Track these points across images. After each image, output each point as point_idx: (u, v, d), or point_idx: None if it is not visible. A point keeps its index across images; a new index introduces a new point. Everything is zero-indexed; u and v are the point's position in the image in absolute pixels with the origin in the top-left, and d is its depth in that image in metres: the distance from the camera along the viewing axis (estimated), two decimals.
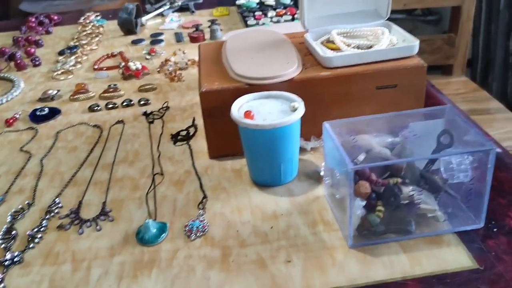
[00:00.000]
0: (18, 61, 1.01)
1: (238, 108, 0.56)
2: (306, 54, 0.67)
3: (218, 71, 0.65)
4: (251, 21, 1.11)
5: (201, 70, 0.66)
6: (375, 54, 0.62)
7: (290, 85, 0.60)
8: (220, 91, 0.60)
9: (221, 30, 1.10)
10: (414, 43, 0.63)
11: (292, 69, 0.61)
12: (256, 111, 0.55)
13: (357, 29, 0.68)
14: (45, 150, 0.70)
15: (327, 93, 0.62)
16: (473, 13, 1.50)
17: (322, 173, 0.57)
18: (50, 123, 0.78)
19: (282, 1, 1.24)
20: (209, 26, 1.16)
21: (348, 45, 0.64)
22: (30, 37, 1.15)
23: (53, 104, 0.84)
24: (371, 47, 0.64)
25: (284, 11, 1.15)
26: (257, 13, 1.16)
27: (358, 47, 0.65)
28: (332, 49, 0.65)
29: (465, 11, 1.47)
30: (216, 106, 0.61)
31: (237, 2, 1.27)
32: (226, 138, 0.63)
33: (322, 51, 0.63)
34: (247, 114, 0.54)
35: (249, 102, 0.58)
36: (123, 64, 0.94)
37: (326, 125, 0.50)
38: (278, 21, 1.10)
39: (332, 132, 0.49)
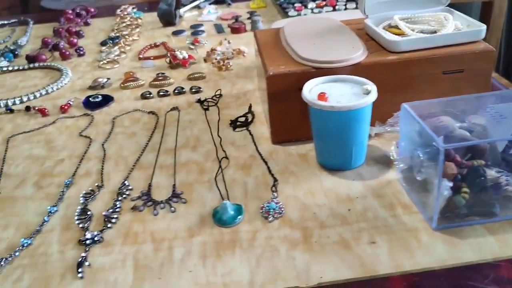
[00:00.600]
0: (63, 51, 1.02)
1: (308, 91, 0.56)
2: (368, 39, 0.67)
3: (281, 56, 0.65)
4: (291, 12, 1.11)
5: (263, 55, 0.65)
6: (443, 38, 0.61)
7: (357, 69, 0.60)
8: (287, 75, 0.60)
9: (262, 21, 1.10)
10: (481, 27, 0.62)
11: (358, 53, 0.61)
12: (328, 94, 0.55)
13: (418, 15, 0.68)
14: (104, 136, 0.71)
15: (393, 77, 0.61)
16: (505, 8, 1.48)
17: (393, 157, 0.57)
18: (105, 110, 0.79)
19: None
20: (248, 18, 1.16)
21: (412, 30, 0.64)
22: (70, 28, 1.16)
23: (103, 91, 0.85)
24: (434, 32, 0.64)
25: (324, 2, 1.14)
26: (297, 5, 1.16)
27: (421, 32, 0.64)
28: (395, 34, 0.65)
29: (497, 6, 1.46)
30: (281, 90, 0.61)
31: None
32: (290, 123, 0.63)
33: (388, 36, 0.62)
34: (321, 96, 0.54)
35: (318, 86, 0.58)
36: (169, 53, 0.94)
37: (406, 106, 0.50)
38: (319, 12, 1.09)
39: (414, 113, 0.48)
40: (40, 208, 0.56)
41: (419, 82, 0.62)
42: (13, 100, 0.83)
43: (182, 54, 0.92)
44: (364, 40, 0.66)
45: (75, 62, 1.00)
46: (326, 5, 1.13)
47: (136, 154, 0.65)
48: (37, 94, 0.85)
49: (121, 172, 0.62)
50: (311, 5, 1.14)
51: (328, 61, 0.60)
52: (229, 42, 0.97)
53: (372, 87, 0.55)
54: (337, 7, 1.12)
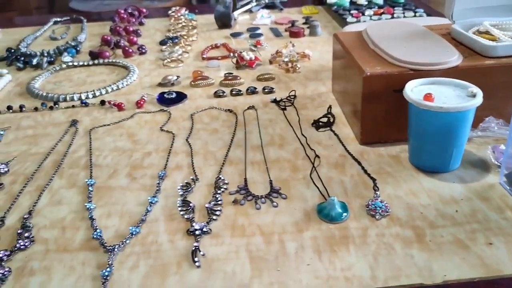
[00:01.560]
0: (126, 48, 1.03)
1: (410, 92, 0.56)
2: (456, 44, 0.67)
3: (371, 57, 0.65)
4: (350, 18, 1.11)
5: (354, 56, 0.66)
6: None
7: (453, 73, 0.60)
8: (383, 76, 0.60)
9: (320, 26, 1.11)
10: None
11: (455, 57, 0.61)
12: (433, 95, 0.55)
13: (506, 22, 0.68)
14: (185, 131, 0.71)
15: (486, 82, 0.61)
16: None
17: (492, 161, 0.57)
18: (180, 106, 0.79)
19: (375, 1, 1.24)
20: (304, 23, 1.17)
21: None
22: (127, 27, 1.17)
23: (173, 89, 0.85)
24: None
25: (381, 10, 1.14)
26: (353, 12, 1.16)
27: None
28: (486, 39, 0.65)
29: None
30: (376, 91, 0.61)
31: (328, 1, 1.27)
32: (380, 124, 0.63)
33: (484, 40, 0.63)
34: (428, 97, 0.54)
35: (418, 87, 0.58)
36: (235, 54, 0.94)
37: None
38: (379, 19, 1.10)
39: None
40: (139, 198, 0.56)
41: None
42: (86, 94, 0.84)
43: (248, 55, 0.93)
44: (453, 45, 0.66)
45: (138, 60, 1.01)
46: (383, 13, 1.14)
47: (223, 150, 0.65)
48: (109, 89, 0.86)
49: (211, 166, 0.62)
50: (368, 12, 1.14)
51: (426, 63, 0.60)
52: (293, 45, 0.97)
53: (476, 90, 0.55)
54: (395, 15, 1.12)
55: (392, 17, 1.11)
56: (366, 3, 1.24)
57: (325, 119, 0.71)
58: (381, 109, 0.62)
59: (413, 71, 0.60)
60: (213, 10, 1.21)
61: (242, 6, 1.32)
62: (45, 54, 1.02)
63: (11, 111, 0.80)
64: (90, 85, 0.90)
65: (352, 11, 1.17)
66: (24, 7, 2.65)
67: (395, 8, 1.16)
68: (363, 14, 1.14)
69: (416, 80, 0.58)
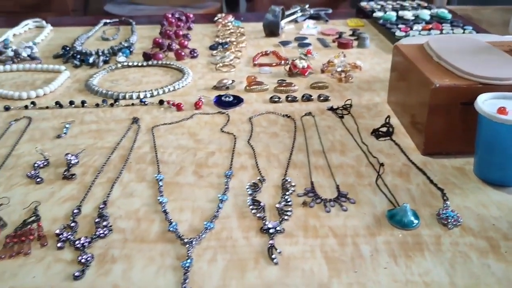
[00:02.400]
0: (179, 51, 1.05)
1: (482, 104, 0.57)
2: None
3: (438, 70, 0.65)
4: (398, 33, 1.12)
5: (419, 68, 0.66)
6: None
7: None
8: (452, 88, 0.61)
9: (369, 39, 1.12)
10: None
11: None
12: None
13: None
14: (245, 133, 0.72)
15: None
16: None
17: None
18: (237, 110, 0.81)
19: (422, 17, 1.25)
20: (350, 35, 1.19)
21: None
22: (177, 31, 1.20)
23: (228, 92, 0.87)
24: None
25: (430, 26, 1.15)
26: (401, 26, 1.17)
27: None
28: None
29: None
30: (442, 103, 0.62)
31: (374, 15, 1.29)
32: (444, 136, 0.63)
33: None
34: (502, 111, 0.54)
35: (488, 101, 0.58)
36: (288, 61, 0.96)
37: None
38: (428, 34, 1.10)
39: None
40: (208, 195, 0.58)
41: None
42: (144, 93, 0.86)
43: (301, 64, 0.94)
44: None
45: (190, 63, 1.03)
46: (432, 28, 1.14)
47: (285, 153, 0.67)
48: (166, 90, 0.88)
49: (276, 168, 0.63)
50: (416, 27, 1.15)
51: (495, 77, 0.60)
52: (344, 56, 0.98)
53: None
54: (444, 31, 1.13)
55: (441, 33, 1.12)
56: (413, 18, 1.25)
57: (384, 129, 0.72)
58: (446, 121, 0.62)
59: (482, 84, 0.61)
60: (257, 18, 1.23)
61: (288, 16, 1.34)
62: (100, 54, 1.05)
63: (73, 106, 0.82)
64: (146, 85, 0.92)
65: (399, 25, 1.18)
66: (61, 9, 2.72)
67: (443, 25, 1.17)
68: (411, 29, 1.14)
69: (487, 94, 0.59)
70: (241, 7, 2.75)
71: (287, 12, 1.35)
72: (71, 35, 1.26)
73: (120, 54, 1.05)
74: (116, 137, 0.72)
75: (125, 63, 1.02)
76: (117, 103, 0.83)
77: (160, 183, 0.60)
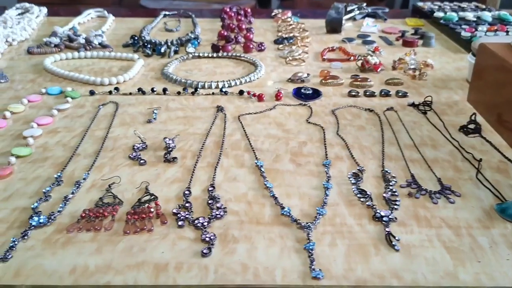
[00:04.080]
0: (248, 44, 1.06)
1: None
2: None
3: None
4: (464, 33, 1.12)
5: None
6: None
7: None
8: None
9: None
10: None
11: None
12: None
13: None
14: (330, 125, 0.73)
15: None
16: None
17: None
18: (317, 102, 0.82)
19: (484, 18, 1.25)
20: (412, 34, 1.18)
21: None
22: (240, 24, 1.21)
23: (303, 85, 0.87)
24: None
25: (495, 27, 1.14)
26: (465, 26, 1.17)
27: None
28: None
29: None
30: None
31: (434, 15, 1.28)
32: None
33: None
34: None
35: None
36: (361, 57, 0.96)
37: None
38: (496, 35, 1.10)
39: None
40: (311, 183, 0.59)
41: None
42: (222, 83, 0.87)
43: (373, 60, 0.95)
44: None
45: (258, 56, 1.04)
46: (497, 30, 1.14)
47: (377, 146, 0.67)
48: (242, 80, 0.89)
49: (371, 160, 0.64)
50: (481, 28, 1.15)
51: None
52: (415, 54, 0.98)
53: None
54: (510, 33, 1.12)
55: (507, 34, 1.11)
56: (475, 19, 1.25)
57: (471, 126, 0.72)
58: None
59: None
60: (310, 15, 1.24)
61: (347, 13, 1.34)
62: (169, 44, 1.06)
63: (155, 93, 0.84)
64: (220, 76, 0.93)
65: (463, 26, 1.17)
66: (100, 1, 2.76)
67: (507, 26, 1.16)
68: (476, 30, 1.14)
69: None
70: (272, 5, 2.75)
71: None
72: (132, 25, 1.28)
73: (190, 45, 1.07)
74: (205, 124, 0.73)
75: (195, 54, 1.03)
76: (197, 91, 0.84)
77: (262, 169, 0.61)
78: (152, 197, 0.54)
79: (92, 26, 1.28)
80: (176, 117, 0.76)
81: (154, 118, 0.74)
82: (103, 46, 1.08)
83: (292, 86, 0.87)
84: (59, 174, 0.59)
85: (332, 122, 0.74)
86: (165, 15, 1.37)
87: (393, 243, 0.48)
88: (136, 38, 1.10)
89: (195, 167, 0.62)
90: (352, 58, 1.02)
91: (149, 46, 1.05)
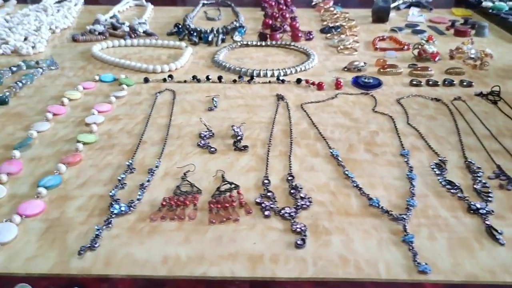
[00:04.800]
0: (296, 33, 1.04)
1: None
2: None
3: None
4: None
5: None
6: None
7: None
8: None
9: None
10: None
11: None
12: None
13: None
14: (398, 114, 0.71)
15: None
16: None
17: None
18: (379, 91, 0.79)
19: None
20: (462, 23, 1.15)
21: None
22: (283, 13, 1.18)
23: (359, 74, 0.85)
24: None
25: None
26: None
27: None
28: None
29: None
30: None
31: (483, 4, 1.25)
32: None
33: None
34: None
35: None
36: (417, 46, 0.93)
37: None
38: None
39: None
40: (392, 173, 0.56)
41: None
42: (278, 71, 0.84)
43: (431, 49, 0.92)
44: None
45: (307, 45, 1.02)
46: None
47: (452, 136, 0.65)
48: (298, 69, 0.86)
49: (450, 150, 0.62)
50: None
51: None
52: (472, 43, 0.95)
53: None
54: None
55: None
56: None
57: None
58: None
59: None
60: (350, 5, 1.21)
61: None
62: (215, 32, 1.04)
63: (210, 81, 0.82)
64: (272, 64, 0.91)
65: None
66: None
67: None
68: None
69: None
70: None
71: None
72: (172, 14, 1.26)
73: (236, 33, 1.04)
74: (268, 112, 0.71)
75: (243, 42, 1.01)
76: (253, 80, 0.82)
77: (339, 159, 0.58)
78: (233, 186, 0.52)
79: (131, 14, 1.26)
80: (237, 105, 0.74)
81: (215, 106, 0.72)
82: (147, 34, 1.06)
83: (348, 75, 0.85)
84: (130, 161, 0.57)
85: (399, 112, 0.72)
86: (203, 4, 1.35)
87: (497, 237, 0.45)
88: (180, 26, 1.08)
89: (268, 156, 0.59)
90: (405, 47, 0.98)
91: (195, 34, 1.03)
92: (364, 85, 0.80)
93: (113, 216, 0.48)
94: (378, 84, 0.81)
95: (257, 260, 0.43)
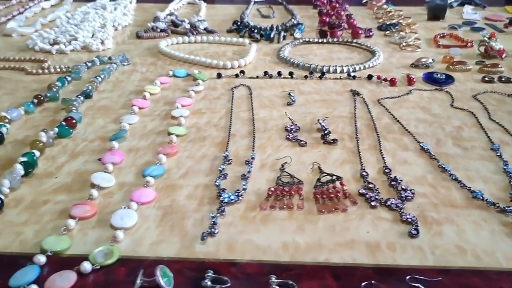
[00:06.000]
0: (356, 30, 1.04)
1: None
2: None
3: None
4: None
5: None
6: None
7: None
8: None
9: None
10: None
11: None
12: None
13: None
14: (476, 110, 0.71)
15: None
16: None
17: None
18: (453, 87, 0.79)
19: None
20: None
21: None
22: (338, 11, 1.19)
23: (428, 71, 0.85)
24: None
25: None
26: None
27: None
28: None
29: None
30: None
31: None
32: None
33: None
34: None
35: None
36: (484, 43, 0.93)
37: None
38: None
39: None
40: (488, 167, 0.57)
41: None
42: (347, 67, 0.85)
43: (498, 45, 0.91)
44: None
45: (368, 42, 1.02)
46: None
47: None
48: (362, 66, 0.87)
49: None
50: None
51: None
52: None
53: None
54: None
55: None
56: None
57: None
58: None
59: None
60: (400, 2, 1.21)
61: None
62: (276, 29, 1.05)
63: (282, 76, 0.83)
64: (338, 61, 0.91)
65: None
66: None
67: None
68: None
69: None
70: None
71: None
72: (225, 11, 1.28)
73: (297, 30, 1.05)
74: (346, 107, 0.72)
75: (304, 39, 1.02)
76: (325, 75, 0.83)
77: (431, 152, 0.59)
78: (335, 177, 0.53)
79: (186, 12, 1.28)
80: (314, 100, 0.75)
81: (293, 101, 0.73)
82: (208, 31, 1.07)
83: (415, 71, 0.85)
84: (226, 153, 0.59)
85: (477, 107, 0.72)
86: (255, 2, 1.36)
87: None
88: (239, 23, 1.09)
89: (359, 149, 0.60)
90: (469, 44, 0.98)
91: (255, 31, 1.04)
92: (437, 81, 0.80)
93: (223, 204, 0.49)
94: (451, 80, 0.81)
95: (374, 248, 0.44)
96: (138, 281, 0.39)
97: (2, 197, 0.49)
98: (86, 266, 0.41)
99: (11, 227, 0.46)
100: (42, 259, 0.41)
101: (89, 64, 0.86)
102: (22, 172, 0.53)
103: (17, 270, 0.40)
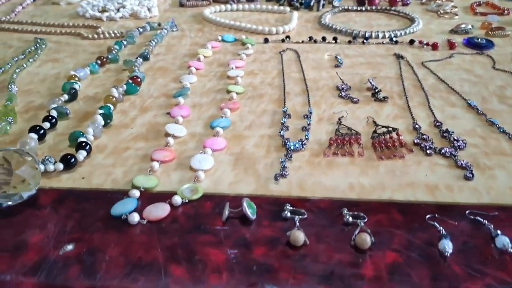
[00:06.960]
0: None
1: None
2: None
3: None
4: None
5: None
6: None
7: None
8: None
9: None
10: None
11: None
12: None
13: None
14: None
15: None
16: None
17: None
18: (494, 52, 0.82)
19: None
20: None
21: None
22: None
23: (466, 36, 0.87)
24: None
25: None
26: None
27: None
28: None
29: None
30: None
31: None
32: None
33: None
34: None
35: None
36: None
37: None
38: None
39: None
40: None
41: None
42: (389, 33, 0.88)
43: None
44: None
45: (406, 10, 1.04)
46: None
47: None
48: (403, 32, 0.90)
49: None
50: None
51: None
52: None
53: None
54: None
55: None
56: None
57: None
58: None
59: None
60: None
61: None
62: None
63: (326, 41, 0.86)
64: (378, 28, 0.94)
65: None
66: None
67: None
68: None
69: None
70: None
71: None
72: None
73: None
74: (391, 69, 0.75)
75: (344, 7, 1.04)
76: (368, 41, 0.86)
77: (479, 108, 0.62)
78: (391, 129, 0.57)
79: None
80: (359, 63, 0.78)
81: (341, 63, 0.77)
82: (248, 0, 1.10)
83: (455, 37, 0.88)
84: (285, 108, 0.63)
85: None
86: None
87: None
88: None
89: (408, 105, 0.64)
90: (506, 12, 1.00)
91: (295, 0, 1.07)
92: (478, 45, 0.83)
93: (290, 151, 0.53)
94: (491, 45, 0.83)
95: (434, 189, 0.48)
96: (226, 212, 0.43)
97: (90, 142, 0.54)
98: (177, 199, 0.45)
99: (102, 168, 0.51)
100: (136, 193, 0.46)
101: (141, 30, 0.90)
102: (103, 122, 0.57)
103: (114, 203, 0.45)
